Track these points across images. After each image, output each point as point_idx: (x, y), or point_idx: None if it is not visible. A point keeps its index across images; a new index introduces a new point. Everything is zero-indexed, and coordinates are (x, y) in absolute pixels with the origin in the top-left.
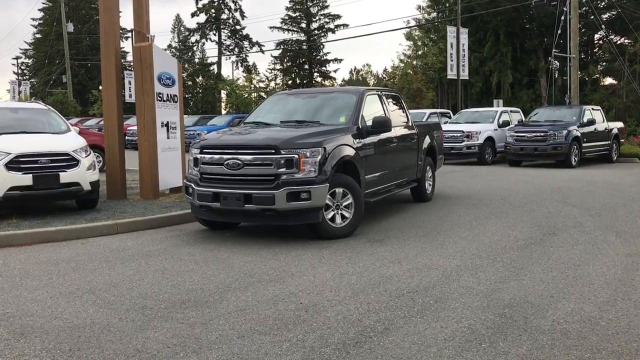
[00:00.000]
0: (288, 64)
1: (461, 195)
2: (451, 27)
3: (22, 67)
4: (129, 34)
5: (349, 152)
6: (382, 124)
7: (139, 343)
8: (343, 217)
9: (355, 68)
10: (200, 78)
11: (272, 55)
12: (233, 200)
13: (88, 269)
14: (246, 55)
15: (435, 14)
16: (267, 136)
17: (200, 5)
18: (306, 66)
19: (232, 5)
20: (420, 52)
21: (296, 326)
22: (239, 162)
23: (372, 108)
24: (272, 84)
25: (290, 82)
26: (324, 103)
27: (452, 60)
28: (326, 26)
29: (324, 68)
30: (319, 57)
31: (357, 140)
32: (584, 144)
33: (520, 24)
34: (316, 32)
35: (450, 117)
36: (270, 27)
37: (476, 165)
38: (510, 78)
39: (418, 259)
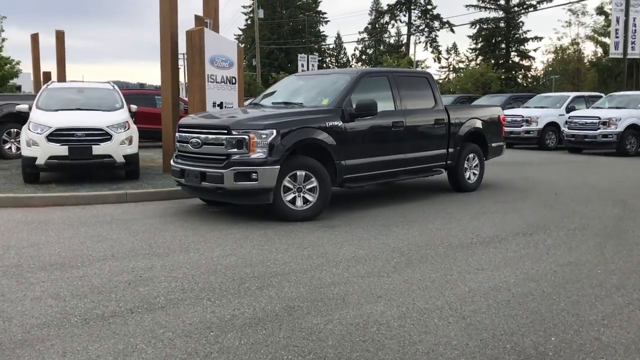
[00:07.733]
0: (482, 44)
1: (514, 187)
2: None
3: None
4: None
5: (318, 134)
6: (366, 107)
7: None
8: (306, 200)
9: (561, 47)
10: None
11: (468, 36)
12: (193, 177)
13: (47, 229)
14: (436, 36)
15: None
16: (223, 117)
17: None
18: (502, 45)
19: None
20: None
21: (90, 296)
22: (199, 141)
23: (373, 91)
24: (473, 64)
25: (484, 62)
26: (318, 85)
27: (617, 37)
28: (527, 2)
29: (522, 47)
30: (517, 35)
31: (336, 122)
32: None
33: None
34: (516, 8)
35: None
36: (467, 6)
37: (615, 156)
38: None
39: (331, 247)
